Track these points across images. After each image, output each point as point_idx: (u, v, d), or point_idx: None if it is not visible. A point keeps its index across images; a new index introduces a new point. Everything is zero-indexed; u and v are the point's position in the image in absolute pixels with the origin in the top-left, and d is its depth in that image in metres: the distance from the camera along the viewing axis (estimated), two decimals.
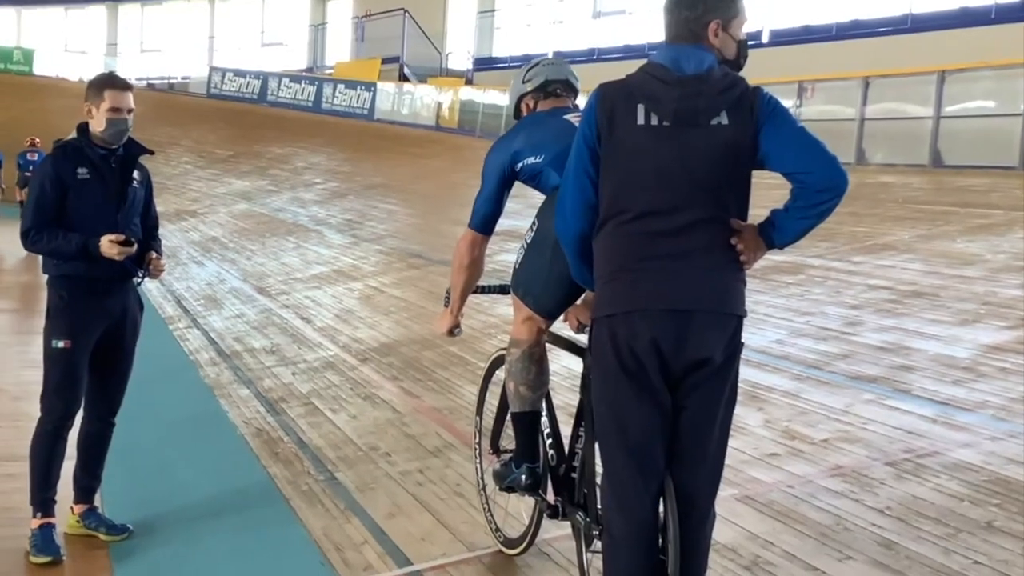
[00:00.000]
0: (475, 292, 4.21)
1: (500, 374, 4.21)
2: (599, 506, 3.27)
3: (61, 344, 4.63)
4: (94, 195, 4.62)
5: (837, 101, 17.96)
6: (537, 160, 3.88)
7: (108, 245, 4.53)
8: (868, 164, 16.51)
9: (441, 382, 7.63)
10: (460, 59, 32.38)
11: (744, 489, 4.90)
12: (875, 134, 17.08)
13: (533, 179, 3.94)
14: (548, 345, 4.02)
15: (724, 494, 4.85)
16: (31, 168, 25.85)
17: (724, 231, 3.01)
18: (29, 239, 4.60)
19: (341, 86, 32.63)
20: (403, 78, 31.54)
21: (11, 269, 15.61)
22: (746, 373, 6.76)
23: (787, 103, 18.61)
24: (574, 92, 4.23)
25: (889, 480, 4.89)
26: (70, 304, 4.66)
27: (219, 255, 16.21)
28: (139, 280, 4.82)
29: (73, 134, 4.73)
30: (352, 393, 7.59)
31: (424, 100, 29.50)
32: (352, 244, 15.35)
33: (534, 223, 3.93)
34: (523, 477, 3.97)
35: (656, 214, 2.94)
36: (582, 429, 3.74)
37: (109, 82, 4.68)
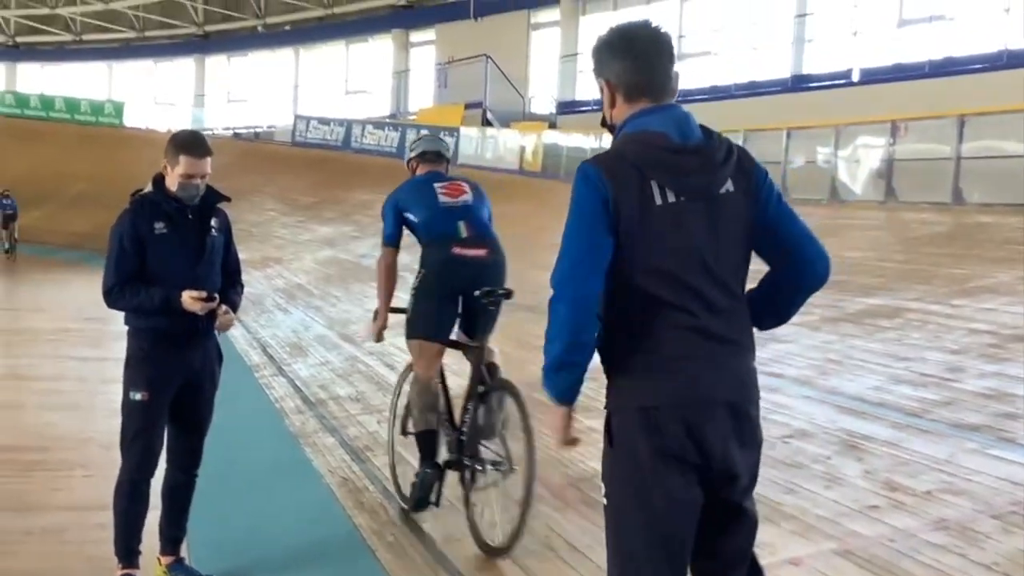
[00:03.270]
0: (391, 312, 5.76)
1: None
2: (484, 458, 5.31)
3: (139, 396, 4.65)
4: (172, 249, 4.63)
5: (932, 140, 17.65)
6: (415, 219, 5.66)
7: (190, 301, 4.55)
8: (965, 204, 16.17)
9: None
10: (543, 103, 32.55)
11: (843, 543, 4.77)
12: (972, 173, 16.73)
13: (413, 230, 5.71)
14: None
15: (823, 548, 4.74)
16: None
17: (746, 312, 2.90)
18: (111, 297, 4.64)
19: (424, 131, 32.94)
20: (486, 123, 31.76)
21: (97, 317, 15.94)
22: (843, 421, 6.66)
23: (879, 142, 18.47)
24: (445, 160, 6.04)
25: (996, 534, 4.72)
26: (149, 356, 4.68)
27: (304, 302, 16.39)
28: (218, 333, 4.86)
29: (149, 186, 4.74)
30: None
31: (507, 144, 29.66)
32: None
33: (420, 271, 5.51)
34: (427, 473, 5.53)
35: (696, 298, 2.76)
36: (470, 405, 5.37)
37: (186, 148, 4.64)
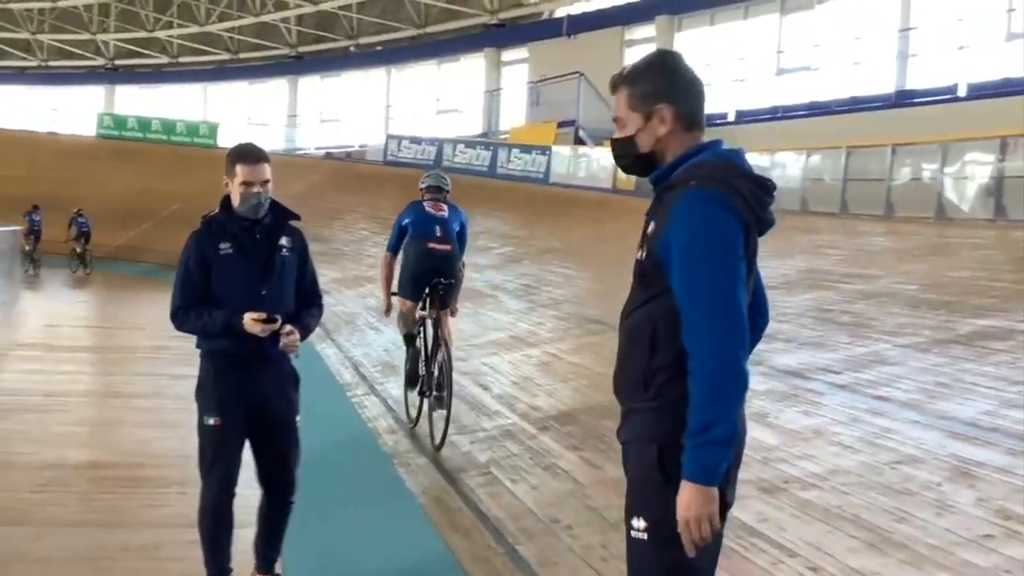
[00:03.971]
0: (391, 295, 9.01)
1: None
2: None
3: (211, 421, 4.68)
4: (238, 270, 4.63)
5: None
6: (408, 221, 8.76)
7: (251, 323, 4.54)
8: None
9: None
10: None
11: (957, 573, 4.62)
12: None
13: (406, 231, 8.77)
14: None
15: None
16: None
17: None
18: (177, 320, 4.70)
19: (516, 150, 33.06)
20: (579, 141, 31.76)
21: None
22: (954, 447, 6.47)
23: (988, 159, 18.04)
24: (443, 191, 9.09)
25: None
26: (217, 380, 4.70)
27: (395, 320, 16.44)
28: (297, 356, 4.83)
29: (217, 208, 4.78)
30: (531, 463, 7.53)
31: (600, 162, 29.60)
32: (529, 310, 15.39)
33: (404, 261, 8.79)
34: (410, 352, 8.95)
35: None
36: (438, 355, 8.42)
37: (240, 155, 4.67)
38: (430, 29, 43.24)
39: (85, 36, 52.03)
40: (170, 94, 51.50)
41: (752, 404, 8.06)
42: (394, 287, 9.05)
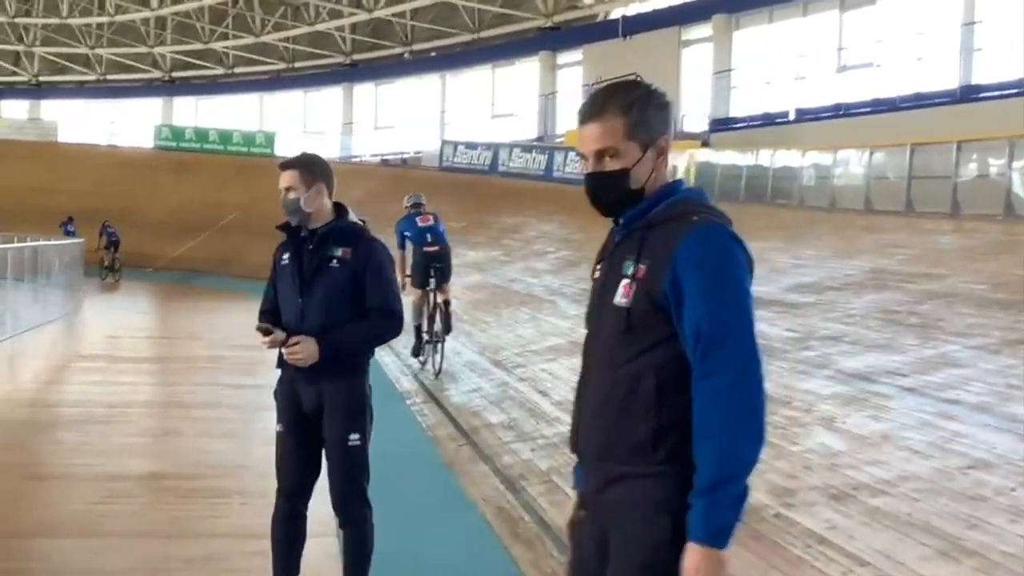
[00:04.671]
0: (405, 277, 12.01)
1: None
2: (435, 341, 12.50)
3: (278, 428, 4.77)
4: (284, 279, 4.70)
5: None
6: (408, 234, 12.40)
7: (257, 336, 4.64)
8: None
9: None
10: (696, 121, 32.27)
11: None
12: None
13: (408, 239, 12.44)
14: None
15: None
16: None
17: None
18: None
19: (572, 154, 32.97)
20: None
21: (248, 344, 16.36)
22: None
23: None
24: (423, 205, 12.60)
25: None
26: (277, 388, 4.79)
27: (454, 327, 16.49)
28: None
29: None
30: None
31: None
32: None
33: (412, 261, 12.47)
34: (417, 341, 12.67)
35: None
36: (435, 316, 12.58)
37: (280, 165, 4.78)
38: (484, 34, 43.33)
39: (142, 49, 52.79)
40: (226, 105, 52.09)
41: (819, 408, 7.98)
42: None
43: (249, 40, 50.19)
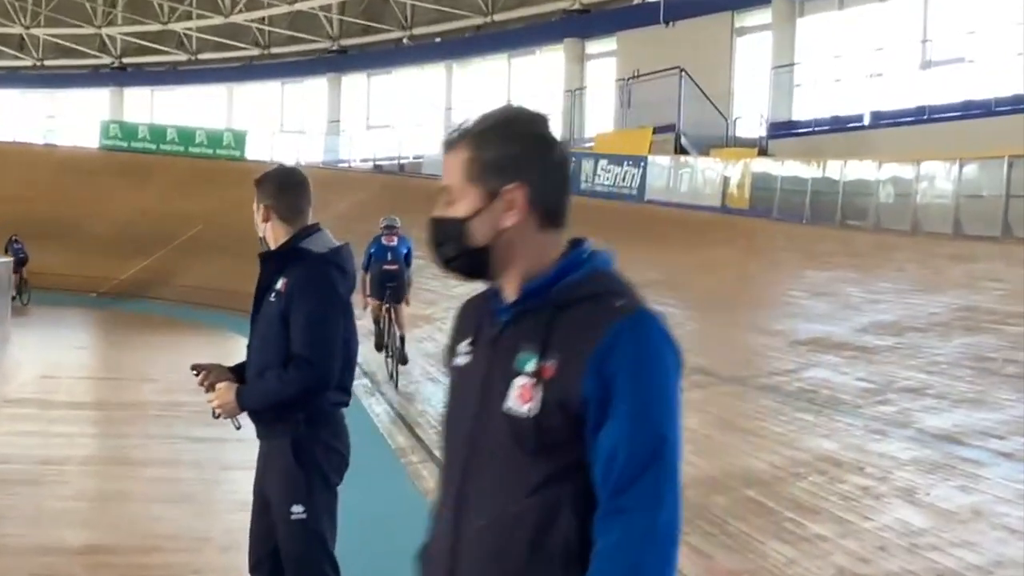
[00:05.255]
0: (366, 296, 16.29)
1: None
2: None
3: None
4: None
5: None
6: (373, 251, 16.38)
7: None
8: None
9: (737, 537, 7.44)
10: (751, 124, 32.32)
11: None
12: None
13: (370, 259, 16.30)
14: None
15: None
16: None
17: None
18: None
19: (604, 161, 33.05)
20: (680, 150, 31.68)
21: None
22: None
23: None
24: (395, 228, 16.72)
25: None
26: None
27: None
28: (236, 426, 4.82)
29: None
30: None
31: (707, 175, 29.52)
32: None
33: (368, 275, 16.13)
34: (377, 338, 16.77)
35: None
36: (391, 332, 16.42)
37: None
38: (499, 17, 43.45)
39: (88, 30, 53.04)
40: (188, 97, 52.38)
41: (896, 476, 7.97)
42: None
43: (216, 21, 50.45)
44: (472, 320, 2.58)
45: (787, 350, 13.78)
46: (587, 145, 36.73)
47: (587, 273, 2.48)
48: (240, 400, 4.61)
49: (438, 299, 24.59)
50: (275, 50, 50.76)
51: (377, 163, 45.06)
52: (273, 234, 4.77)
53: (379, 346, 16.80)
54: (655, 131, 32.50)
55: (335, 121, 49.39)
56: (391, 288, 16.34)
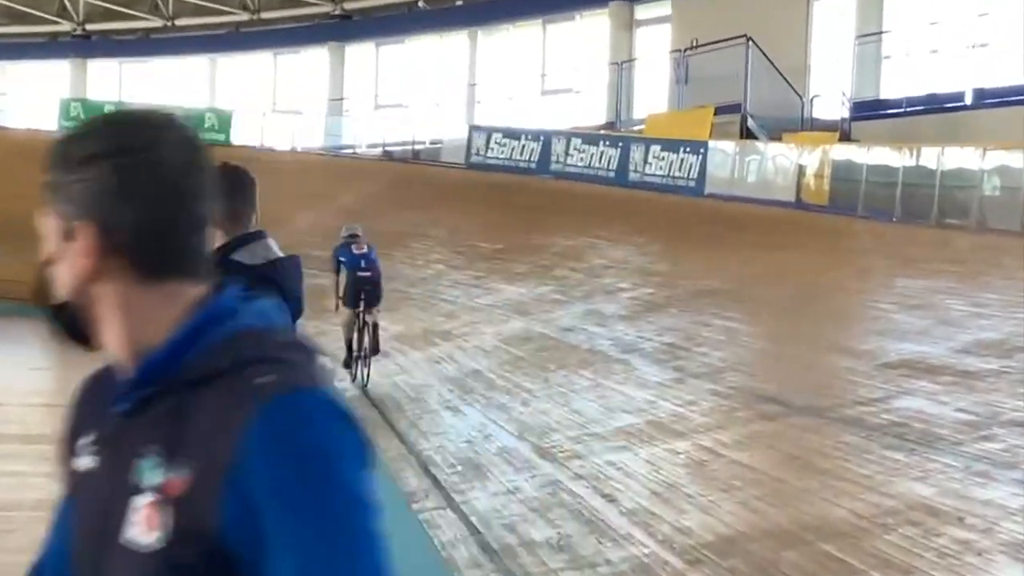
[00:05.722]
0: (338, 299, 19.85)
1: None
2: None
3: None
4: None
5: None
6: (344, 260, 19.71)
7: None
8: None
9: None
10: (831, 104, 32.23)
11: None
12: None
13: (342, 264, 19.72)
14: None
15: None
16: None
17: None
18: None
19: (656, 148, 33.00)
20: (747, 134, 31.64)
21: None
22: None
23: None
24: (359, 237, 19.87)
25: None
26: None
27: (483, 397, 16.53)
28: None
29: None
30: None
31: (778, 164, 29.46)
32: (675, 381, 15.34)
33: (344, 282, 19.67)
34: (347, 357, 19.44)
35: None
36: (364, 336, 19.57)
37: None
38: None
39: None
40: (163, 71, 52.47)
41: (1003, 528, 7.94)
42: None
43: None
44: (96, 405, 2.12)
45: (873, 374, 13.73)
46: (636, 128, 36.72)
47: (226, 336, 2.02)
48: None
49: (458, 311, 24.65)
50: (266, 15, 50.73)
51: (387, 149, 45.01)
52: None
53: (348, 363, 19.37)
54: (717, 112, 32.45)
55: (338, 100, 49.31)
56: (368, 293, 19.47)
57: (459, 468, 12.59)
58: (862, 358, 14.78)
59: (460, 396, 16.98)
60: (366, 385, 18.90)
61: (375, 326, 19.48)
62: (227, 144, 44.61)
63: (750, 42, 32.08)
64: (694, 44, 34.67)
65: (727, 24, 32.85)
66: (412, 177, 38.64)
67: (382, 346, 19.84)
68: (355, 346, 19.44)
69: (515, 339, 20.89)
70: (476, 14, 45.35)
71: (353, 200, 32.64)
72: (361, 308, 19.39)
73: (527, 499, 10.96)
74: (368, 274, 19.44)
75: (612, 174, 34.33)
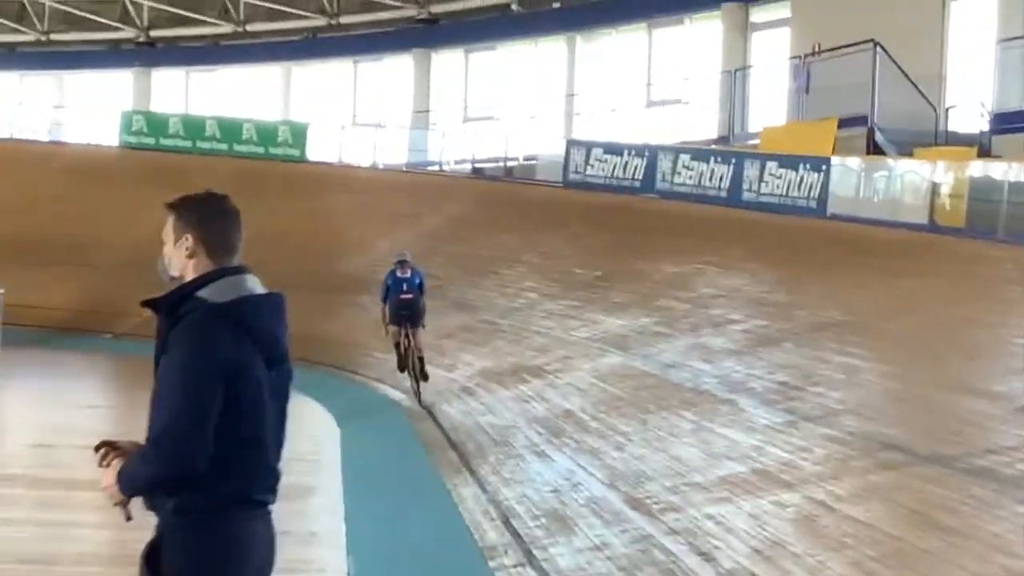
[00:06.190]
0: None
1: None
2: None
3: None
4: None
5: None
6: (390, 283, 24.26)
7: None
8: None
9: None
10: (969, 116, 31.99)
11: None
12: None
13: (389, 287, 24.32)
14: None
15: None
16: None
17: None
18: None
19: (772, 164, 32.92)
20: (874, 149, 31.48)
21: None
22: None
23: None
24: (407, 262, 24.17)
25: None
26: None
27: (573, 441, 16.50)
28: (126, 517, 4.81)
29: None
30: None
31: (909, 183, 29.25)
32: (786, 425, 15.24)
33: (386, 306, 24.20)
34: (399, 359, 24.34)
35: None
36: (411, 355, 23.98)
37: None
38: None
39: None
40: (234, 80, 53.05)
41: None
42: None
43: None
44: None
45: (1010, 420, 13.56)
46: (751, 143, 36.74)
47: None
48: (119, 483, 4.71)
49: (551, 345, 24.69)
50: (346, 19, 51.27)
51: (477, 165, 45.22)
52: (195, 275, 4.87)
53: (401, 367, 23.88)
54: (841, 124, 32.35)
55: (423, 111, 49.64)
56: (407, 315, 23.33)
57: (543, 520, 12.55)
58: (997, 401, 14.59)
59: (548, 439, 16.95)
60: (420, 401, 23.03)
61: (421, 360, 23.14)
62: (302, 160, 45.04)
63: (878, 47, 31.95)
64: (816, 50, 34.55)
65: (853, 27, 32.75)
66: (503, 196, 38.79)
67: (467, 382, 22.82)
68: (407, 360, 23.43)
69: (612, 376, 20.87)
70: (575, 18, 45.63)
71: (439, 222, 32.84)
72: (403, 328, 23.25)
73: (615, 556, 10.90)
74: (408, 297, 23.43)
75: (724, 193, 34.31)
